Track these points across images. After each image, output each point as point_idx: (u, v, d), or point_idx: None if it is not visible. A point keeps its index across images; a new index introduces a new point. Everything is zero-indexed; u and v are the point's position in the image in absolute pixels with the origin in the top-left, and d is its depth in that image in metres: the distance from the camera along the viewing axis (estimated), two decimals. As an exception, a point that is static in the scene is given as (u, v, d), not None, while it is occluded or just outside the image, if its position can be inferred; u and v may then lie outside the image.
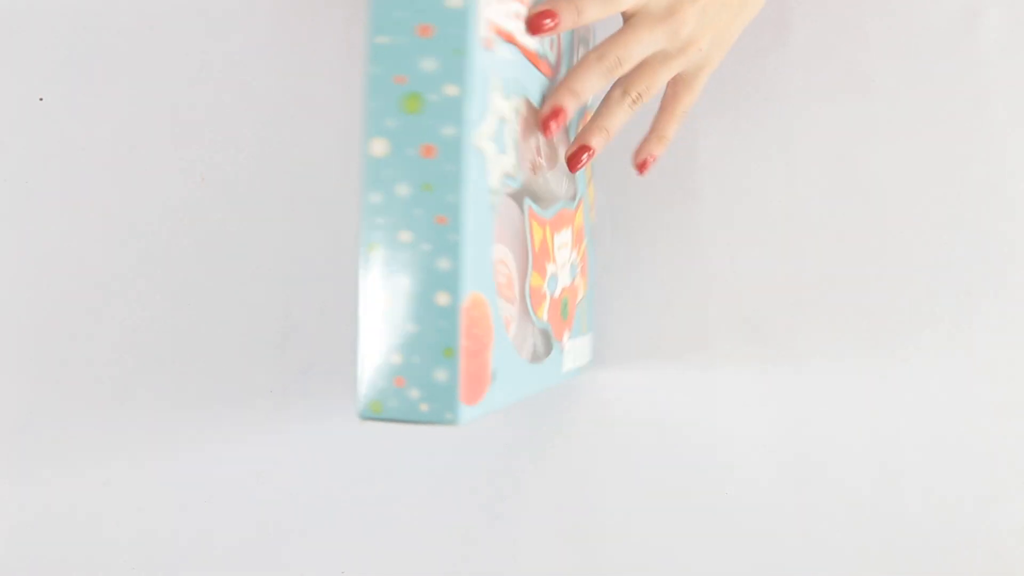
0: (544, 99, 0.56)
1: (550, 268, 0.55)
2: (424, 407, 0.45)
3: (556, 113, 0.55)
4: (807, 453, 0.64)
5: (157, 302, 0.68)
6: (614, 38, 0.58)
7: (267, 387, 0.66)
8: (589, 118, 0.60)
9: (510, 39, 0.51)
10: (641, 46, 0.58)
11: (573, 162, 0.58)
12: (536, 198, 0.54)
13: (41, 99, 0.73)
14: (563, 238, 0.58)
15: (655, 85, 0.60)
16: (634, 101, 0.59)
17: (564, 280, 0.58)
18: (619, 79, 0.59)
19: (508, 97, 0.50)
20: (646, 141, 0.63)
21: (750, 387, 0.66)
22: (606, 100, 0.60)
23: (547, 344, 0.55)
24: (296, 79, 0.71)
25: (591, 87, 0.57)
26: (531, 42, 0.54)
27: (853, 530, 0.63)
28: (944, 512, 0.63)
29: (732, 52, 0.62)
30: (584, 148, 0.58)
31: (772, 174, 0.70)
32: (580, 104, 0.57)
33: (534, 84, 0.55)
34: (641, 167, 0.63)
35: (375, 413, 0.46)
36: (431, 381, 0.45)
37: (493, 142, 0.48)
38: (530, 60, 0.54)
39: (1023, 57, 0.71)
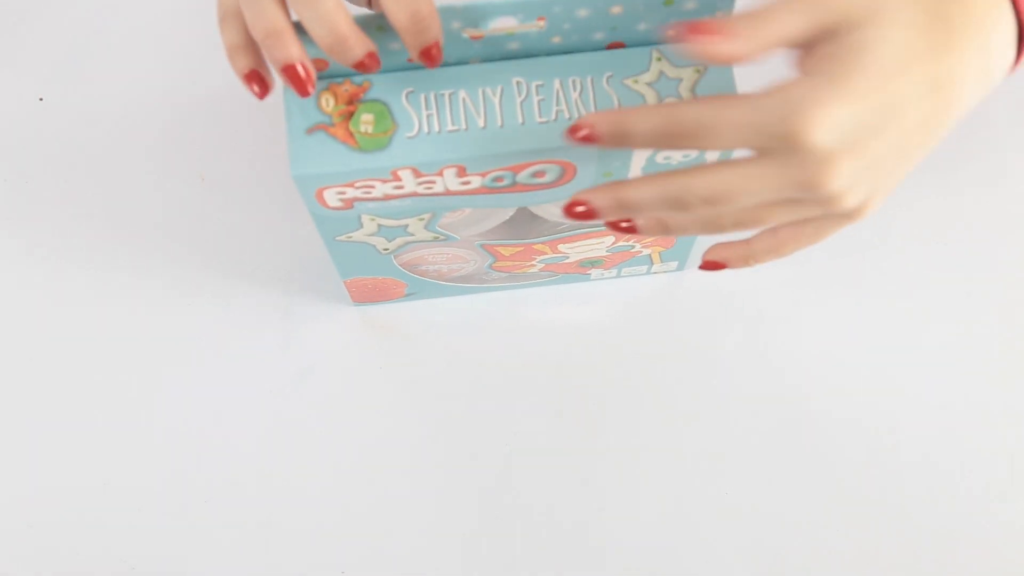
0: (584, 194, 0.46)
1: (538, 259, 0.63)
2: None
3: (585, 214, 0.45)
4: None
5: (157, 302, 0.68)
6: (711, 170, 0.42)
7: (267, 386, 0.66)
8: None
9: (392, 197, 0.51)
10: (751, 194, 0.42)
11: (567, 211, 0.46)
12: (497, 237, 0.59)
13: (41, 99, 0.73)
14: (576, 246, 0.61)
15: (759, 222, 0.45)
16: (718, 226, 0.45)
17: (583, 255, 0.63)
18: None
19: (401, 216, 0.54)
20: (730, 248, 0.50)
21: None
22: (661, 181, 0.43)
23: (550, 273, 0.66)
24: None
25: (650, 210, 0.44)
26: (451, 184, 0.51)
27: (853, 528, 0.63)
28: (945, 512, 0.63)
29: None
30: (588, 214, 0.45)
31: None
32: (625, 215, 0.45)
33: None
34: (708, 266, 0.51)
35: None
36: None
37: (377, 235, 0.56)
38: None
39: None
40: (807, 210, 0.44)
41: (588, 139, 0.43)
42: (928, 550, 0.62)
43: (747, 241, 0.49)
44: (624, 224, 0.47)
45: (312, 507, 0.64)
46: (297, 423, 0.65)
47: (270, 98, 0.71)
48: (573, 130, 0.44)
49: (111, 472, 0.65)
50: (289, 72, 0.45)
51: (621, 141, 0.43)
